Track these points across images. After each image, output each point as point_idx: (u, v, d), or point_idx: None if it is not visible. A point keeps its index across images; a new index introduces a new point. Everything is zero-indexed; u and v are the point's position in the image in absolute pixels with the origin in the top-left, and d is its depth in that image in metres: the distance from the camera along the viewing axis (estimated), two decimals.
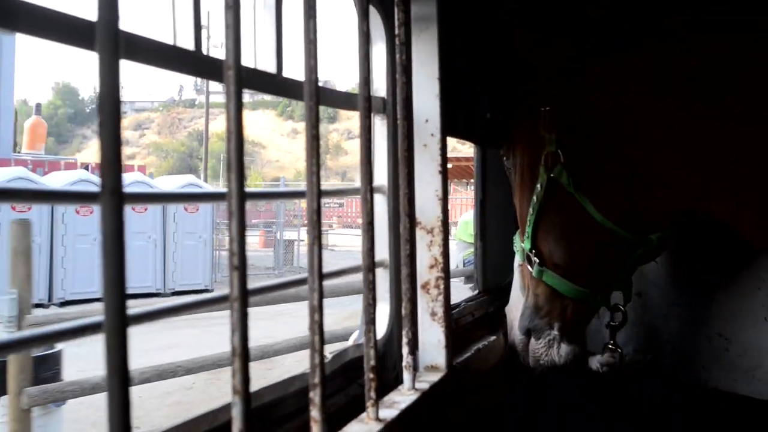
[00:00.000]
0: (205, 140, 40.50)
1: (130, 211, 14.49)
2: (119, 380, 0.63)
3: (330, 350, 1.44)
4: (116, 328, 0.63)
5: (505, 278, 2.21)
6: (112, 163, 0.62)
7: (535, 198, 1.78)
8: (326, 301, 1.09)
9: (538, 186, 1.76)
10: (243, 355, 0.81)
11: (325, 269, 1.07)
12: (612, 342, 1.94)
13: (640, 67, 1.70)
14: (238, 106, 0.80)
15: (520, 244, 1.88)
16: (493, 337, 2.01)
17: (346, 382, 1.44)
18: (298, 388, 1.27)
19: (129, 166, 20.37)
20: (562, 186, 1.74)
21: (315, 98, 0.98)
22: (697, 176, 1.68)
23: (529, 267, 1.83)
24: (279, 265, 21.29)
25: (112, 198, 0.63)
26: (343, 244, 27.87)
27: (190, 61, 0.97)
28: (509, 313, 1.95)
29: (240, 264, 0.81)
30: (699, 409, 2.20)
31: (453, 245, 9.21)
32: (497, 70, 1.95)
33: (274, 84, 1.19)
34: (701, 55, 1.64)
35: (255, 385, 1.22)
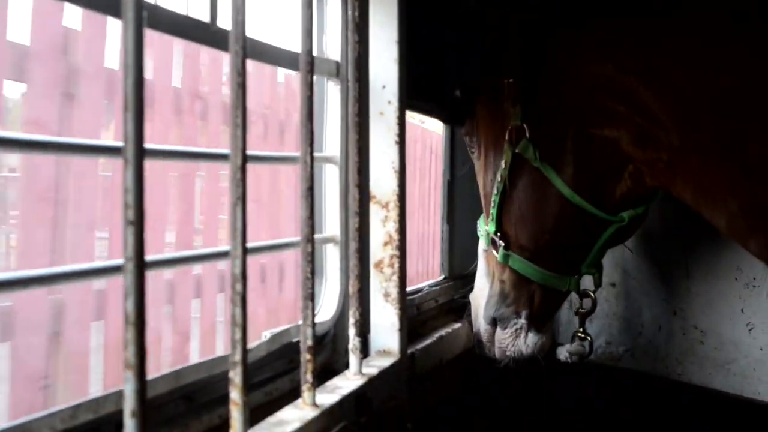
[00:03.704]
0: None
1: None
2: None
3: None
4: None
5: (472, 264, 2.12)
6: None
7: (499, 176, 1.67)
8: None
9: (503, 163, 1.66)
10: (138, 323, 0.71)
11: None
12: (581, 330, 1.85)
13: (607, 39, 1.56)
14: (138, 34, 0.69)
15: (485, 227, 1.78)
16: (458, 325, 1.91)
17: (290, 366, 1.34)
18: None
19: None
20: (528, 162, 1.63)
21: (242, 42, 0.87)
22: (665, 152, 1.53)
23: (494, 252, 1.73)
24: None
25: None
26: None
27: None
28: (474, 300, 1.85)
29: (136, 218, 0.70)
30: (672, 403, 2.11)
31: None
32: (466, 42, 1.84)
33: (208, 34, 1.08)
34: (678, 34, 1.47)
35: (175, 364, 1.11)
